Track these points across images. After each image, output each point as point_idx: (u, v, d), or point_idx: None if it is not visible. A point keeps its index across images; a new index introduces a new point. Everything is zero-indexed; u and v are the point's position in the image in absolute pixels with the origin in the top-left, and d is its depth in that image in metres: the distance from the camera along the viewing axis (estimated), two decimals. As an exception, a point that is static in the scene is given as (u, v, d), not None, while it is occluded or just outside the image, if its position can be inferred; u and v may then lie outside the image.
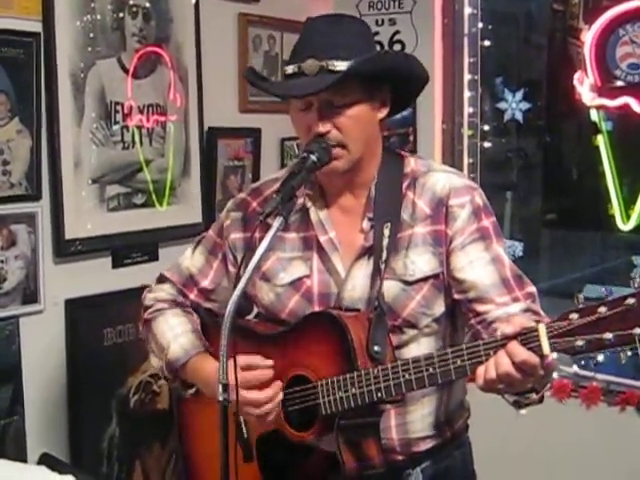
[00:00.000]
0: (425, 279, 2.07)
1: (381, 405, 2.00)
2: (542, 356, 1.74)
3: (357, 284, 2.09)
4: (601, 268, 5.08)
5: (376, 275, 2.05)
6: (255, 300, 2.24)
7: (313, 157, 1.97)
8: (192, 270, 2.33)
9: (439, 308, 2.09)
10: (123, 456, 3.26)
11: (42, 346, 3.00)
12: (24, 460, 2.85)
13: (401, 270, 2.06)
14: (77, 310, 3.07)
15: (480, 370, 1.80)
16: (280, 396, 2.05)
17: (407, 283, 2.06)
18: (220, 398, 1.80)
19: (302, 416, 2.07)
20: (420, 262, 2.06)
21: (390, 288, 2.05)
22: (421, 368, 1.89)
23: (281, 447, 2.10)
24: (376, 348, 1.98)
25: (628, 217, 3.96)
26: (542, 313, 2.00)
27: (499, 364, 1.77)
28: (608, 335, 1.66)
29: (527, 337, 1.75)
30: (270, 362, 2.04)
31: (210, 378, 2.09)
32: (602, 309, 1.67)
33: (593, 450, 3.74)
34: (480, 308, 2.02)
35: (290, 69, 2.05)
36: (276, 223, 1.88)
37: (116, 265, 3.25)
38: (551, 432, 3.76)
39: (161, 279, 2.39)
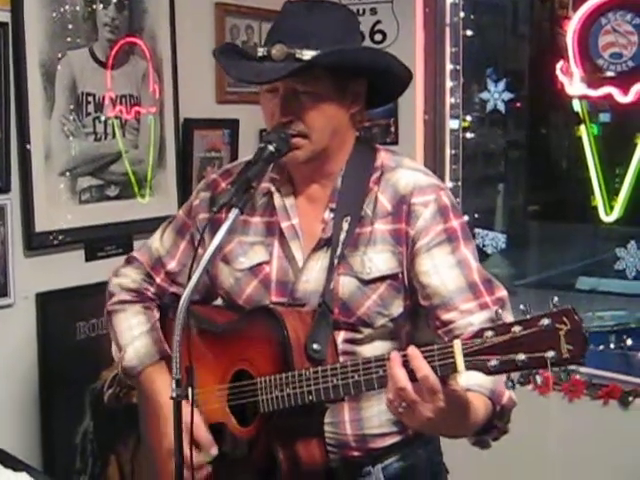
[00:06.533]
0: (382, 278, 1.99)
1: (321, 404, 1.94)
2: (446, 377, 1.65)
3: (312, 276, 2.03)
4: (591, 260, 5.05)
5: (331, 269, 1.99)
6: (216, 283, 2.19)
7: (271, 147, 1.93)
8: (160, 251, 2.28)
9: (397, 309, 2.01)
10: (97, 451, 3.23)
11: (12, 340, 2.96)
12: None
13: (358, 267, 2.00)
14: (49, 304, 3.03)
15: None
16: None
17: (363, 281, 1.99)
18: (173, 394, 1.76)
19: (248, 410, 2.04)
20: (378, 260, 1.99)
21: (346, 284, 1.99)
22: (347, 375, 1.83)
23: (229, 440, 2.07)
24: (315, 346, 1.93)
25: (611, 208, 3.93)
26: (511, 319, 1.80)
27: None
28: (521, 356, 1.57)
29: (443, 353, 1.65)
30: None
31: (156, 395, 2.18)
32: (516, 328, 1.58)
33: (576, 443, 3.72)
34: (444, 316, 1.93)
35: (260, 52, 2.01)
36: (232, 215, 1.83)
37: (89, 258, 3.20)
38: (533, 425, 3.73)
39: (129, 260, 2.35)
